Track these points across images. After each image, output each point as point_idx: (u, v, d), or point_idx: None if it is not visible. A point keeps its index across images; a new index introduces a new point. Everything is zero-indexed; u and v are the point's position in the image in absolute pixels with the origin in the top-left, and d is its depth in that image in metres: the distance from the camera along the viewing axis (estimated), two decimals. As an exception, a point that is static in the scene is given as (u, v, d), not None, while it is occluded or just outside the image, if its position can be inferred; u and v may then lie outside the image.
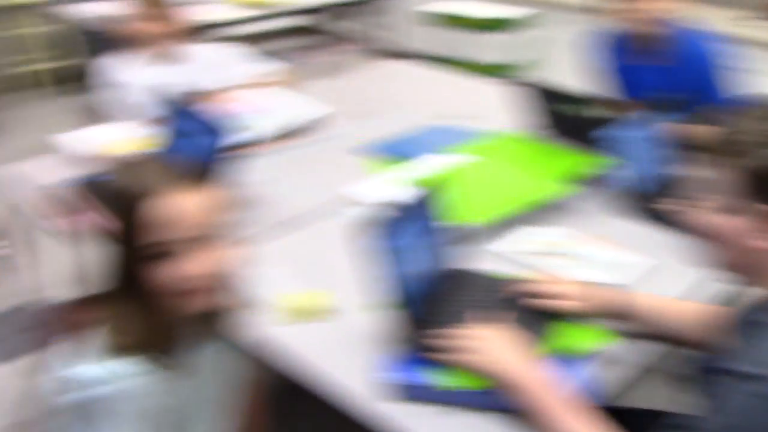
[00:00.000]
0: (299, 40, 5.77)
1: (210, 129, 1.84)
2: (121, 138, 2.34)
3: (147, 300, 1.17)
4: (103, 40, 4.21)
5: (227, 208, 1.20)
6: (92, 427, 1.17)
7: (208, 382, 1.33)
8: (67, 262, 2.70)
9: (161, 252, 1.13)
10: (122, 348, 1.17)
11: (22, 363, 2.65)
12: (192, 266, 1.14)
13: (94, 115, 2.73)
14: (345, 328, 1.52)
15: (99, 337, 1.20)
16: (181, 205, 1.12)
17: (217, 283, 1.19)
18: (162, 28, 2.61)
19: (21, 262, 1.91)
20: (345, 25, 5.91)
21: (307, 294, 1.59)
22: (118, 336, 1.18)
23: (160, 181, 1.14)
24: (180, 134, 1.95)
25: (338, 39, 5.90)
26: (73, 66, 5.30)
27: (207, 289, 1.17)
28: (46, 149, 2.38)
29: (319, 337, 1.50)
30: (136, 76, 2.63)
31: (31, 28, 5.08)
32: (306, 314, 1.56)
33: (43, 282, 2.16)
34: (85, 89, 5.00)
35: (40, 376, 2.05)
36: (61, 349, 1.18)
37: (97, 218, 1.94)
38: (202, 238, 1.15)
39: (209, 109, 2.03)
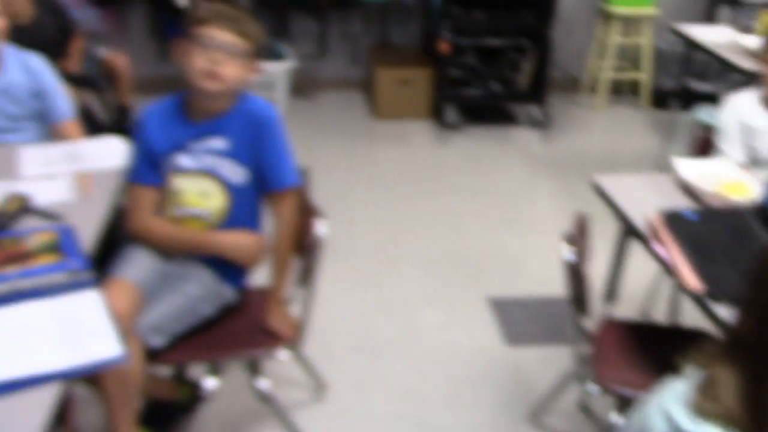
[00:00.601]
0: None
1: None
2: (732, 179, 2.22)
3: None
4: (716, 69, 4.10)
5: None
6: None
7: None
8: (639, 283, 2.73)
9: None
10: (712, 412, 1.07)
11: (542, 351, 2.78)
12: None
13: (704, 144, 2.65)
14: None
15: (689, 384, 1.13)
16: None
17: None
18: None
19: (583, 268, 1.95)
20: None
21: None
22: (713, 398, 1.09)
23: None
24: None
25: None
26: (661, 82, 5.33)
27: None
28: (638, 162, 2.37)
29: None
30: (760, 118, 2.47)
31: (644, 39, 5.24)
32: None
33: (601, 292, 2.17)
34: (673, 109, 5.01)
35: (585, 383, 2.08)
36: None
37: (664, 252, 1.88)
38: None
39: None
